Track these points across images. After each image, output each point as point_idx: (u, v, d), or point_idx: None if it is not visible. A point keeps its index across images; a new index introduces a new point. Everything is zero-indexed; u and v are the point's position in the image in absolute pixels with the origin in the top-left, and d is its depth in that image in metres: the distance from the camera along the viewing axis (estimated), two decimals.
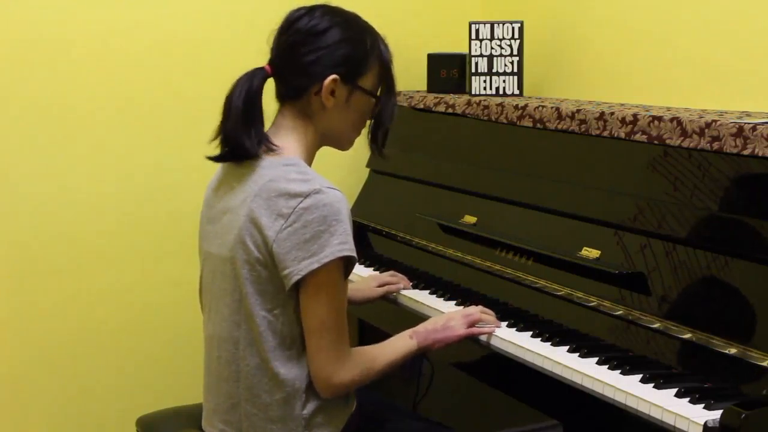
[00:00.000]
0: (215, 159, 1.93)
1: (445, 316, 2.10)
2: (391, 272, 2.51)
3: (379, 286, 2.43)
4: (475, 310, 2.13)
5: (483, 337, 2.12)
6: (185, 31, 2.95)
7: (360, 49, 1.93)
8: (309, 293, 1.81)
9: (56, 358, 2.87)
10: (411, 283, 2.47)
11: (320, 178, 1.84)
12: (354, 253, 1.83)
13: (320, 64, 1.88)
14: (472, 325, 2.09)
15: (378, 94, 1.99)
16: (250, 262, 1.83)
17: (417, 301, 2.37)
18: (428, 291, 2.43)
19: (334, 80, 1.88)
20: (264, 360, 1.85)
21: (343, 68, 1.89)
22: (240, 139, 1.85)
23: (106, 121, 2.87)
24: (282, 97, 1.94)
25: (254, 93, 1.87)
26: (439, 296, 2.39)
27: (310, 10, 1.92)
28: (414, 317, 2.33)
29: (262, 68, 1.91)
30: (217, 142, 1.92)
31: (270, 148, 1.87)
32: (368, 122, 2.02)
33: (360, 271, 2.61)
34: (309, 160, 1.95)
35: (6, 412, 2.82)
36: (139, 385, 2.97)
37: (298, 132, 1.93)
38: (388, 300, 2.44)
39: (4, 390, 2.82)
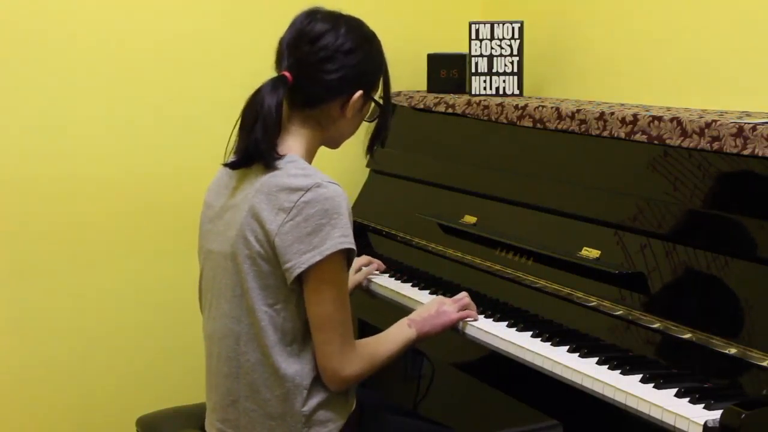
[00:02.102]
0: (232, 166, 1.94)
1: (435, 302, 2.15)
2: (364, 255, 2.58)
3: (356, 272, 2.51)
4: (463, 295, 2.20)
5: (482, 337, 2.12)
6: (191, 30, 2.95)
7: (378, 66, 2.01)
8: (312, 287, 1.83)
9: (56, 358, 2.87)
10: (384, 267, 2.59)
11: (320, 173, 1.87)
12: (354, 246, 1.86)
13: (345, 80, 1.93)
14: (462, 309, 2.16)
15: (380, 100, 2.05)
16: (252, 256, 1.85)
17: (417, 301, 2.37)
18: (428, 291, 2.43)
19: (361, 95, 1.95)
20: (265, 355, 1.86)
21: (365, 84, 1.96)
22: (268, 148, 1.88)
23: (107, 121, 2.87)
24: (295, 103, 1.95)
25: (280, 103, 1.90)
26: (439, 296, 2.38)
27: (334, 26, 1.93)
28: None
29: (283, 76, 1.92)
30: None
31: (278, 156, 1.90)
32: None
33: None
34: (308, 161, 1.96)
35: (6, 412, 2.82)
36: (139, 385, 2.97)
37: (303, 137, 1.95)
38: (389, 301, 2.44)
39: (4, 390, 2.82)
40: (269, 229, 1.83)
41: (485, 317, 2.20)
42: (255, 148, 1.88)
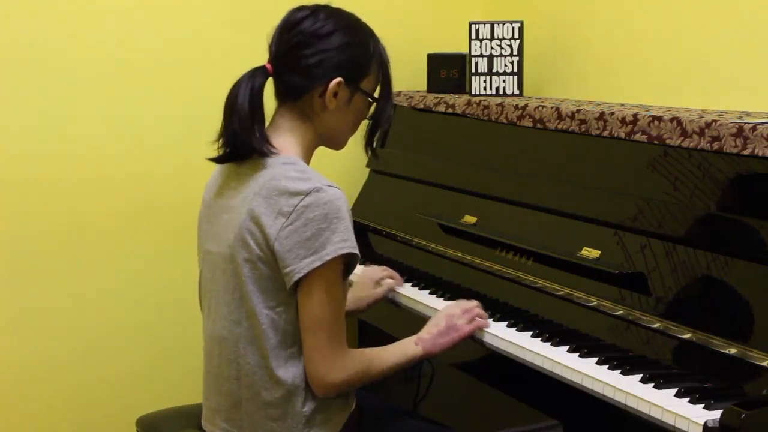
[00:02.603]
0: (217, 160, 1.93)
1: (444, 316, 2.08)
2: (383, 267, 2.48)
3: (377, 283, 2.40)
4: (473, 304, 2.14)
5: (483, 337, 2.12)
6: (191, 29, 2.95)
7: (363, 52, 1.94)
8: (308, 291, 1.81)
9: (56, 358, 2.87)
10: (403, 279, 2.47)
11: (319, 176, 1.85)
12: (356, 251, 1.84)
13: (323, 66, 1.89)
14: (473, 320, 2.09)
15: (377, 95, 2.00)
16: (251, 260, 1.84)
17: (417, 301, 2.37)
18: (428, 291, 2.43)
19: (338, 83, 1.89)
20: (264, 358, 1.86)
21: (346, 71, 1.90)
22: (248, 139, 1.85)
23: (107, 121, 2.87)
24: (282, 96, 1.94)
25: (257, 93, 1.87)
26: (439, 296, 2.39)
27: (314, 12, 1.91)
28: (414, 317, 2.34)
29: (263, 67, 1.91)
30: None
31: (270, 151, 1.87)
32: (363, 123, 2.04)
33: (358, 271, 2.60)
34: (307, 159, 1.95)
35: (6, 412, 2.82)
36: (139, 385, 2.97)
37: (296, 132, 1.93)
38: (389, 301, 2.44)
39: (4, 390, 2.82)
40: (269, 234, 1.81)
41: None
42: (234, 138, 1.86)
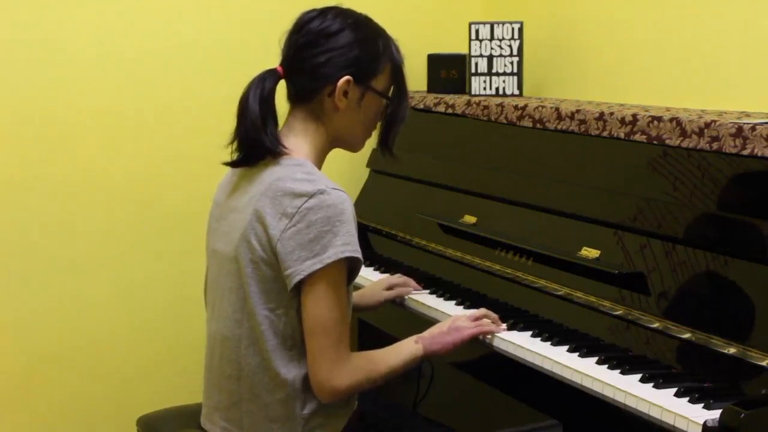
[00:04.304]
0: (232, 164, 1.93)
1: (450, 320, 2.07)
2: (399, 275, 2.47)
3: (387, 289, 2.39)
4: (480, 313, 2.11)
5: (485, 338, 2.12)
6: (194, 28, 2.95)
7: (372, 50, 1.93)
8: (310, 294, 1.81)
9: (56, 358, 2.87)
10: (421, 286, 2.43)
11: (325, 179, 1.84)
12: (358, 255, 1.83)
13: (332, 65, 1.88)
14: (478, 325, 2.07)
15: (390, 95, 1.99)
16: (255, 260, 1.84)
17: (417, 301, 2.37)
18: (428, 291, 2.43)
19: (347, 81, 1.88)
20: (265, 359, 1.85)
21: (355, 69, 1.89)
22: (259, 142, 1.85)
23: (108, 121, 2.87)
24: (293, 98, 1.94)
25: (268, 95, 1.87)
26: (438, 296, 2.39)
27: (322, 12, 1.91)
28: (414, 317, 2.34)
29: (274, 69, 1.90)
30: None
31: (281, 152, 1.87)
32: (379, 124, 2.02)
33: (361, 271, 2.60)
34: (319, 162, 1.95)
35: (6, 411, 2.83)
36: (139, 385, 2.97)
37: (308, 134, 1.93)
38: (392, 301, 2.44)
39: (4, 390, 2.82)
40: (272, 235, 1.81)
41: None
42: (246, 139, 1.86)
